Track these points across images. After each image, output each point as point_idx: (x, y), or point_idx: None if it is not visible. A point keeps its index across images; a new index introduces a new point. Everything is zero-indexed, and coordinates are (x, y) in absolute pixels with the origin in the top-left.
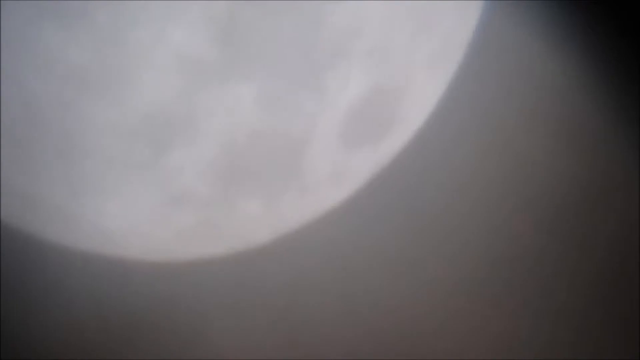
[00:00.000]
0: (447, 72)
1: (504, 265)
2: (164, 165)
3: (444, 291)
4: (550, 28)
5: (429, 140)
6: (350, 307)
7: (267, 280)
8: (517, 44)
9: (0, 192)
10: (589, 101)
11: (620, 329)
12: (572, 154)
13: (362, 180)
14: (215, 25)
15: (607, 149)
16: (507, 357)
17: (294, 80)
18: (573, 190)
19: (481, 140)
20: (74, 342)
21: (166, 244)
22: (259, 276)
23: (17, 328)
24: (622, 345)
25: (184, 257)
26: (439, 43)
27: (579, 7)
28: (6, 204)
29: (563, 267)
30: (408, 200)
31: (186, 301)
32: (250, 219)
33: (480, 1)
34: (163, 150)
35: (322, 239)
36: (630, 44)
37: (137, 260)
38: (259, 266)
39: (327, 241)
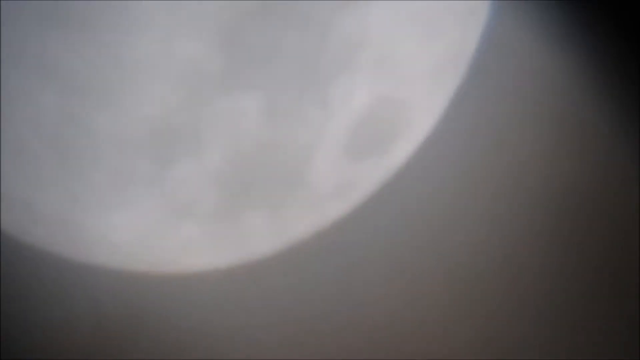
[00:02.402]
0: (452, 82)
1: (509, 272)
2: (168, 177)
3: (450, 301)
4: (557, 36)
5: (435, 151)
6: (356, 319)
7: (272, 292)
8: (523, 53)
9: (2, 203)
10: (598, 107)
11: (620, 329)
12: (581, 160)
13: (367, 192)
14: (221, 36)
15: (612, 152)
16: (509, 357)
17: (299, 91)
18: (576, 192)
19: (487, 150)
20: (77, 355)
21: (171, 256)
22: (264, 288)
23: (19, 339)
24: (622, 345)
25: (188, 268)
26: (444, 53)
27: (585, 14)
28: (9, 215)
29: (564, 267)
30: (414, 211)
31: (191, 313)
32: (255, 231)
33: (485, 8)
34: (168, 161)
35: (327, 251)
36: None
37: (141, 272)
38: (264, 278)
39: (332, 253)
